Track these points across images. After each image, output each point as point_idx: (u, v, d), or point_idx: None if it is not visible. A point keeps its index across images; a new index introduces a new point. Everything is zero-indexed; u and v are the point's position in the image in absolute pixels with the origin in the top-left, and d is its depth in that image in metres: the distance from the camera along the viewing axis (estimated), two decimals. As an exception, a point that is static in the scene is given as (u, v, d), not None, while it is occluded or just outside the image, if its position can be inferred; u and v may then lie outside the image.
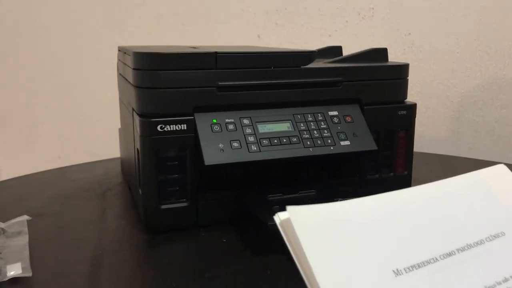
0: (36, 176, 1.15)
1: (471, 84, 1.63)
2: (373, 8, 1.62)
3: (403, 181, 0.93)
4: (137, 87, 0.78)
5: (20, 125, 1.66)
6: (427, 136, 1.67)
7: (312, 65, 0.84)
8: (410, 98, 0.93)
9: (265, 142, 0.79)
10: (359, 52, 0.95)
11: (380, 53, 0.96)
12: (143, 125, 0.76)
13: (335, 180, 0.89)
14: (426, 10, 1.60)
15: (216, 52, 0.77)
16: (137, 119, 0.77)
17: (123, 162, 1.10)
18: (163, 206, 0.79)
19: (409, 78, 0.91)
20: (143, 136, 0.76)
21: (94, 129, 1.71)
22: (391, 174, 0.92)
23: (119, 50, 1.00)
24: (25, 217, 0.78)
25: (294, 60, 0.82)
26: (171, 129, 0.76)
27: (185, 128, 0.77)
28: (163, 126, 0.76)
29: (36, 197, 0.99)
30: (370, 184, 0.90)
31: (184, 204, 0.80)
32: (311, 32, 1.67)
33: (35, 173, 1.18)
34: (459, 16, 1.59)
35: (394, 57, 1.64)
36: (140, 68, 0.77)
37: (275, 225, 0.71)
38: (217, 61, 0.77)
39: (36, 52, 1.62)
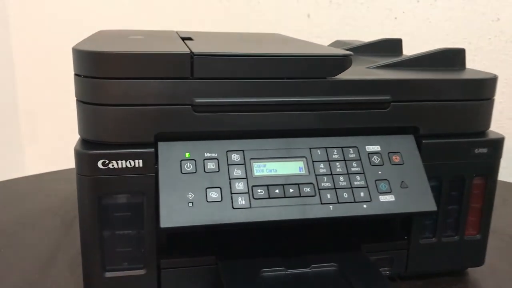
0: (12, 184, 0.94)
1: None
2: (452, -14, 1.29)
3: (474, 248, 0.63)
4: (78, 100, 0.53)
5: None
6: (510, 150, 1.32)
7: (346, 74, 0.56)
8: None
9: (260, 192, 0.52)
10: (421, 53, 0.65)
11: (454, 56, 0.65)
12: (79, 159, 0.52)
13: (368, 244, 0.60)
14: (523, -11, 1.25)
15: (192, 53, 0.51)
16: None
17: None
18: (109, 274, 0.54)
19: (494, 74, 0.61)
20: (79, 175, 0.52)
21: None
22: (456, 237, 0.62)
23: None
24: None
25: (317, 68, 0.54)
26: (120, 166, 0.51)
27: (141, 165, 0.52)
28: (107, 161, 0.51)
29: (-10, 221, 0.78)
30: (424, 252, 0.62)
31: (140, 272, 0.55)
32: (372, 13, 1.36)
33: (15, 178, 0.98)
34: None
35: (475, 48, 1.31)
36: (80, 74, 0.51)
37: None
38: (193, 67, 0.51)
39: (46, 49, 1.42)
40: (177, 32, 0.76)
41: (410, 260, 0.62)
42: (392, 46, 0.82)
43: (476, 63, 1.29)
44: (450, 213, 0.62)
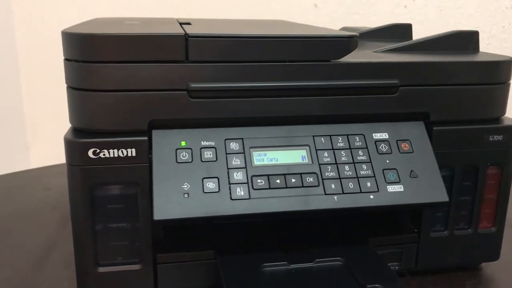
0: (11, 178, 0.92)
1: None
2: (464, -28, 1.25)
3: (488, 242, 0.60)
4: (68, 87, 0.50)
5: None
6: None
7: (351, 57, 0.53)
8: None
9: (260, 182, 0.49)
10: (432, 36, 0.62)
11: (467, 39, 0.62)
12: (69, 148, 0.49)
13: (376, 238, 0.57)
14: (539, -26, 1.21)
15: (186, 35, 0.48)
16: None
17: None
18: (102, 269, 0.52)
19: (510, 57, 0.58)
20: (70, 165, 0.49)
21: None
22: (469, 230, 0.59)
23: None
24: None
25: (321, 50, 0.51)
26: (112, 155, 0.49)
27: (134, 154, 0.49)
28: (98, 150, 0.48)
29: (-14, 215, 0.76)
30: (435, 246, 0.58)
31: (135, 267, 0.52)
32: (381, 2, 1.33)
33: (14, 172, 0.96)
34: None
35: (489, 37, 1.26)
36: (70, 59, 0.49)
37: None
38: (188, 50, 0.48)
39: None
40: (177, 19, 0.73)
41: (420, 254, 0.58)
42: (401, 31, 0.79)
43: (490, 52, 1.25)
44: (463, 204, 0.58)
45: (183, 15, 1.33)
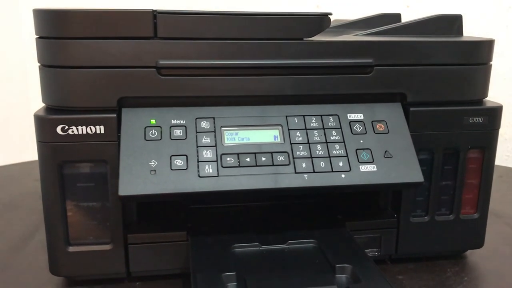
0: (3, 170, 0.93)
1: None
2: (466, -31, 1.23)
3: (471, 229, 0.58)
4: (40, 66, 0.50)
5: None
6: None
7: (326, 37, 0.52)
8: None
9: (229, 160, 0.49)
10: (414, 20, 0.61)
11: (450, 23, 0.61)
12: (38, 124, 0.49)
13: (353, 222, 0.56)
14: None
15: (155, 11, 0.48)
16: (38, 113, 0.50)
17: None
18: (72, 249, 0.52)
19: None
20: (39, 142, 0.49)
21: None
22: (451, 216, 0.58)
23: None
24: None
25: (293, 28, 0.50)
26: (80, 132, 0.48)
27: (103, 131, 0.49)
28: (67, 127, 0.48)
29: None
30: (416, 231, 0.57)
31: (106, 247, 0.52)
32: (384, 2, 1.31)
33: (6, 165, 0.96)
34: None
35: (493, 38, 1.25)
36: (41, 36, 0.49)
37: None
38: (157, 26, 0.48)
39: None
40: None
41: (400, 240, 0.57)
42: (390, 21, 0.78)
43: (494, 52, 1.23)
44: (444, 189, 0.57)
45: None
